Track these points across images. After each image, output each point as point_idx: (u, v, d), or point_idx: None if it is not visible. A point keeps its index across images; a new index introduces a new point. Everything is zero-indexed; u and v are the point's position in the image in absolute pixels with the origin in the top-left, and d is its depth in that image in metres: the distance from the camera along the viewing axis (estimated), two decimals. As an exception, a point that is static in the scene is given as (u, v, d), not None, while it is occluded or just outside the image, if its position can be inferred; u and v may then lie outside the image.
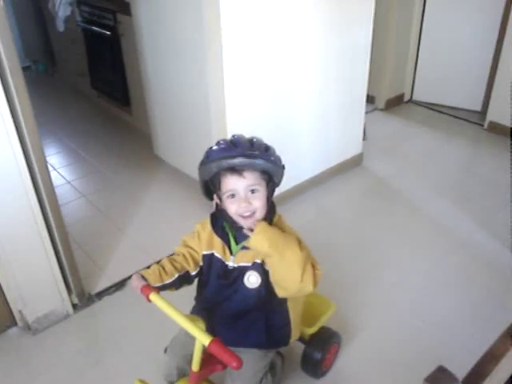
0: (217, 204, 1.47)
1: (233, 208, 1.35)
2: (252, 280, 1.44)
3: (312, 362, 1.83)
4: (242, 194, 1.33)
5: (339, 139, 3.17)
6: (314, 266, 1.35)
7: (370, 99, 3.94)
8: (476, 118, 4.06)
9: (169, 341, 2.04)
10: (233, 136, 1.39)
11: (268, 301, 1.47)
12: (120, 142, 3.78)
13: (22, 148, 1.84)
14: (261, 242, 1.31)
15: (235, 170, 1.31)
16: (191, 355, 1.43)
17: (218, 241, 1.47)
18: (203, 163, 1.37)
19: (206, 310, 1.55)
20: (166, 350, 1.67)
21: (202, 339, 1.24)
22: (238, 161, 1.29)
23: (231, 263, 1.46)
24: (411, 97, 4.49)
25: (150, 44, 2.97)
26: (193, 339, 1.31)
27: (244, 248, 1.43)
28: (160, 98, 3.11)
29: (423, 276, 2.44)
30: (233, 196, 1.34)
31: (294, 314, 1.60)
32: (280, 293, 1.40)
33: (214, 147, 1.37)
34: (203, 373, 1.47)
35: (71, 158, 3.59)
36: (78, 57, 4.22)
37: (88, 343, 2.14)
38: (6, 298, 2.09)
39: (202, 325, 1.38)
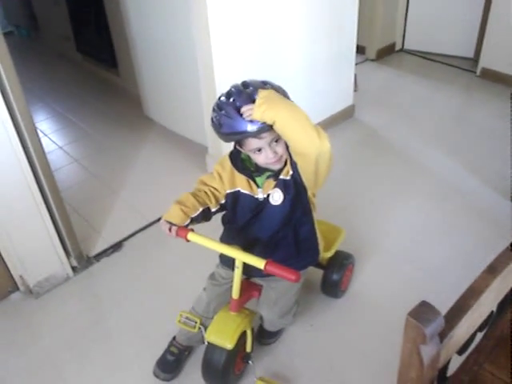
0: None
1: (260, 159, 1.42)
2: (276, 197, 1.49)
3: (331, 283, 2.00)
4: (267, 147, 1.39)
5: (330, 91, 3.15)
6: None
7: (360, 50, 3.88)
8: (468, 65, 4.02)
9: (168, 297, 2.10)
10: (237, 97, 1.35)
11: (293, 215, 1.53)
12: (109, 104, 3.74)
13: (9, 115, 1.83)
14: (265, 110, 1.28)
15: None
16: (227, 291, 1.63)
17: (240, 177, 1.51)
18: (225, 134, 1.37)
19: (238, 240, 1.59)
20: (205, 288, 1.76)
21: (257, 263, 1.36)
22: (261, 132, 1.33)
23: (260, 195, 1.51)
24: (403, 46, 4.43)
25: (134, 2, 2.90)
26: (229, 273, 1.51)
27: (269, 177, 1.48)
28: (147, 57, 3.06)
29: (416, 224, 2.47)
30: (259, 150, 1.40)
31: (317, 226, 1.67)
32: (301, 161, 1.39)
33: (235, 117, 1.33)
34: (242, 300, 1.64)
35: (61, 123, 3.57)
36: (61, 19, 4.13)
37: (89, 304, 2.19)
38: (6, 264, 2.12)
39: None
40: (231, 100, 1.35)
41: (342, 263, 2.00)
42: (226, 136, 1.37)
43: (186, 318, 1.69)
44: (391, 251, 2.31)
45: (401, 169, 2.89)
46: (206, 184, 1.58)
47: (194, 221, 1.51)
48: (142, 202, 2.71)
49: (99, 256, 2.38)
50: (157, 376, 1.80)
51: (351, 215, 2.53)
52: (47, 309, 2.14)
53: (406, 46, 4.41)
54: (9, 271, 2.15)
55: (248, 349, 1.72)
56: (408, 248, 2.33)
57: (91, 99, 3.85)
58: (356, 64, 3.27)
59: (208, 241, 1.43)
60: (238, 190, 1.53)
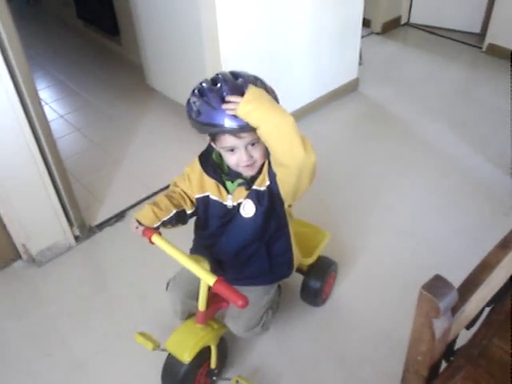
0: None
1: (233, 160, 1.30)
2: (247, 209, 1.37)
3: (312, 291, 1.87)
4: (242, 149, 1.26)
5: (334, 64, 3.10)
6: None
7: (365, 23, 3.80)
8: (474, 41, 3.96)
9: (170, 266, 2.10)
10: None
11: (266, 230, 1.41)
12: (111, 73, 3.69)
13: (13, 83, 1.80)
14: (251, 110, 1.15)
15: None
16: (195, 291, 1.44)
17: (210, 182, 1.39)
18: (201, 123, 1.24)
19: (207, 249, 1.51)
20: (167, 287, 1.64)
21: (207, 279, 1.23)
22: (242, 131, 1.21)
23: (230, 202, 1.39)
24: (408, 19, 4.35)
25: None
26: (197, 277, 1.29)
27: (240, 185, 1.36)
28: (150, 25, 3.00)
29: (419, 199, 2.47)
30: (232, 150, 1.28)
31: (293, 239, 1.55)
32: (282, 172, 1.27)
33: (217, 106, 1.20)
34: (210, 311, 1.51)
35: (62, 92, 3.52)
36: (61, -16, 4.04)
37: (92, 272, 2.20)
38: (8, 233, 2.12)
39: (206, 265, 1.39)
40: (217, 87, 1.20)
41: (323, 271, 1.87)
42: (201, 126, 1.23)
43: (143, 336, 1.62)
44: (392, 226, 2.32)
45: (403, 144, 2.87)
46: (177, 186, 1.48)
47: (167, 224, 1.41)
48: (144, 171, 2.70)
49: (102, 225, 2.38)
50: None
51: (353, 190, 2.53)
52: (50, 277, 2.15)
53: (412, 20, 4.34)
54: (11, 240, 2.15)
55: (213, 365, 1.61)
56: (409, 223, 2.33)
57: (93, 68, 3.78)
58: (361, 37, 3.22)
59: (169, 247, 1.31)
60: (208, 196, 1.42)
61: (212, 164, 1.39)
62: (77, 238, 2.29)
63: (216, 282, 1.21)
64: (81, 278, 2.16)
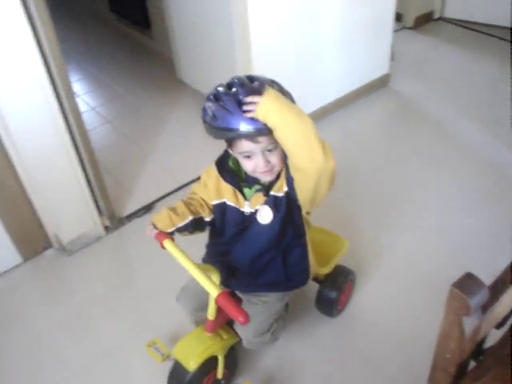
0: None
1: (250, 166, 1.28)
2: (264, 215, 1.35)
3: (328, 301, 1.82)
4: (259, 154, 1.24)
5: (366, 59, 3.07)
6: None
7: (397, 17, 3.74)
8: (510, 36, 3.86)
9: (198, 258, 2.11)
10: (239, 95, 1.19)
11: (283, 237, 1.40)
12: (142, 66, 3.73)
13: (48, 75, 1.85)
14: (270, 110, 1.13)
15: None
16: (204, 303, 1.43)
17: (227, 187, 1.37)
18: (217, 128, 1.20)
19: (221, 256, 1.50)
20: (177, 298, 1.64)
21: (211, 291, 1.20)
22: (259, 134, 1.18)
23: (247, 209, 1.37)
24: (442, 14, 4.27)
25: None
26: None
27: (258, 191, 1.34)
28: (181, 19, 3.02)
29: (448, 198, 2.43)
30: (249, 156, 1.26)
31: (310, 247, 1.52)
32: (300, 177, 1.25)
33: (234, 110, 1.17)
34: (219, 320, 1.49)
35: (94, 84, 3.58)
36: (95, -22, 4.10)
37: (121, 262, 2.24)
38: (41, 222, 2.18)
39: (216, 275, 1.37)
40: (233, 91, 1.19)
41: (340, 280, 1.81)
42: (217, 131, 1.21)
43: (155, 347, 1.63)
44: (421, 226, 2.28)
45: (434, 141, 2.83)
46: (195, 193, 1.46)
47: (184, 230, 1.39)
48: (173, 164, 2.73)
49: (131, 217, 2.42)
50: None
51: (379, 190, 2.50)
52: (80, 266, 2.20)
53: (446, 14, 4.25)
54: (43, 229, 2.21)
55: (219, 375, 1.59)
56: (438, 223, 2.29)
57: (124, 61, 3.83)
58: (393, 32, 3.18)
59: (179, 254, 1.28)
60: (224, 202, 1.40)
61: (228, 170, 1.38)
62: (106, 229, 2.33)
63: (219, 295, 1.17)
64: (110, 267, 2.20)
